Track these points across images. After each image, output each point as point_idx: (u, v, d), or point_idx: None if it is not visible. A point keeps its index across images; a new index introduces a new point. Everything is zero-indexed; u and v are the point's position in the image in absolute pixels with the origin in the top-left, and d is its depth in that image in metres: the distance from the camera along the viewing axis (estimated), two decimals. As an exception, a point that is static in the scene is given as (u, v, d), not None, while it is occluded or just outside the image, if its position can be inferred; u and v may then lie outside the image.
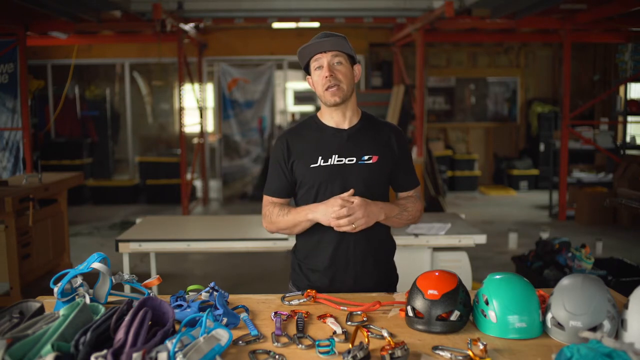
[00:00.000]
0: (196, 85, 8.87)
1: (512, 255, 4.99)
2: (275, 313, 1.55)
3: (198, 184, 9.53)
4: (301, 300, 1.68)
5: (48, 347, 1.15)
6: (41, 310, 1.38)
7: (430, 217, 3.95)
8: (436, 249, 3.44)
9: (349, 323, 1.51)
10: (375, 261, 1.91)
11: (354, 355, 1.24)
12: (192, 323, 1.37)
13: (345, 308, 1.62)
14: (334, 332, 1.43)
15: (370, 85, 9.52)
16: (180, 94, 7.81)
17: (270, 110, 9.35)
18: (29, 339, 1.18)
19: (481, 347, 1.30)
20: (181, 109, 7.84)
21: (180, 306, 1.55)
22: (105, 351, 1.14)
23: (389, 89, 8.70)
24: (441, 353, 1.32)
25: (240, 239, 3.44)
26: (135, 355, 1.11)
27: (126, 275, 1.68)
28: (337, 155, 1.84)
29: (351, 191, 1.77)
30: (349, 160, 1.84)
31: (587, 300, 1.38)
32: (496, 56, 10.00)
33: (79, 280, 1.58)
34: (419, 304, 1.47)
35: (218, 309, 1.49)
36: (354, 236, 1.84)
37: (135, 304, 1.33)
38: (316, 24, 7.96)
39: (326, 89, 1.81)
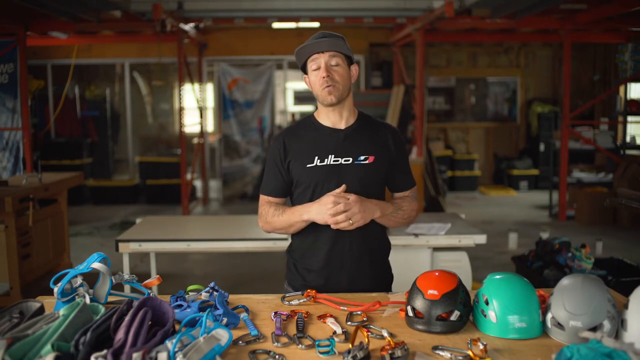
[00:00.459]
0: (196, 85, 8.87)
1: (512, 255, 4.99)
2: (275, 313, 1.55)
3: (198, 184, 9.53)
4: (301, 300, 1.68)
5: (48, 347, 1.15)
6: (41, 310, 1.38)
7: (430, 217, 3.95)
8: (436, 249, 3.44)
9: (349, 323, 1.52)
10: (371, 261, 1.91)
11: (354, 355, 1.24)
12: (192, 323, 1.37)
13: (345, 308, 1.62)
14: (334, 332, 1.43)
15: (370, 85, 9.52)
16: (180, 94, 7.81)
17: (270, 110, 9.36)
18: (29, 339, 1.18)
19: (481, 347, 1.30)
20: (181, 109, 7.84)
21: (180, 306, 1.55)
22: (105, 351, 1.14)
23: (389, 89, 8.70)
24: (441, 353, 1.32)
25: (240, 239, 3.45)
26: (135, 355, 1.11)
27: (126, 275, 1.68)
28: (333, 155, 1.85)
29: (343, 187, 1.78)
30: (345, 160, 1.84)
31: (587, 300, 1.38)
32: (496, 56, 10.00)
33: (79, 280, 1.58)
34: (419, 304, 1.47)
35: (218, 309, 1.49)
36: (350, 236, 1.84)
37: (135, 304, 1.33)
38: (316, 24, 7.96)
39: (323, 89, 1.81)
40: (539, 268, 4.32)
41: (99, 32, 7.91)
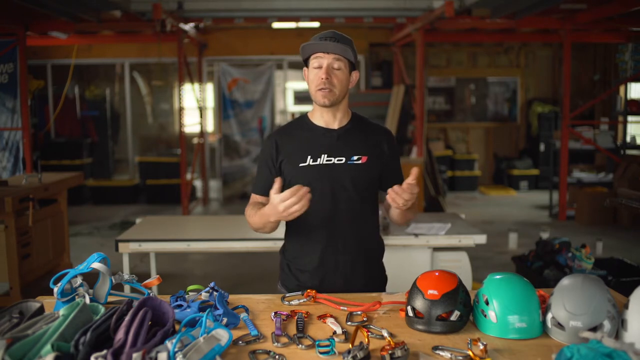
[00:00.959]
0: (196, 85, 8.87)
1: (512, 255, 4.99)
2: (275, 313, 1.55)
3: (198, 184, 9.52)
4: (301, 300, 1.67)
5: (48, 347, 1.15)
6: (41, 310, 1.38)
7: (430, 217, 3.95)
8: (436, 249, 3.44)
9: (349, 323, 1.51)
10: (365, 262, 1.91)
11: (354, 355, 1.23)
12: (192, 323, 1.36)
13: (345, 308, 1.62)
14: (334, 332, 1.43)
15: (370, 85, 9.52)
16: (180, 94, 7.81)
17: (270, 110, 9.35)
18: (28, 339, 1.18)
19: (481, 347, 1.30)
20: (181, 109, 7.84)
21: (180, 306, 1.55)
22: (105, 351, 1.14)
23: (389, 89, 8.70)
24: (441, 353, 1.32)
25: (240, 239, 3.45)
26: (135, 355, 1.11)
27: (126, 275, 1.67)
28: (326, 155, 1.85)
29: (279, 180, 1.67)
30: (338, 160, 1.84)
31: (587, 300, 1.38)
32: (496, 56, 10.00)
33: (79, 280, 1.58)
34: (419, 304, 1.47)
35: (218, 309, 1.49)
36: (343, 237, 1.85)
37: (135, 304, 1.33)
38: (316, 24, 7.96)
39: (318, 90, 1.81)
40: (539, 268, 4.32)
41: (99, 32, 7.91)
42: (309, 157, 1.85)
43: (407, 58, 9.35)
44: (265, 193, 1.90)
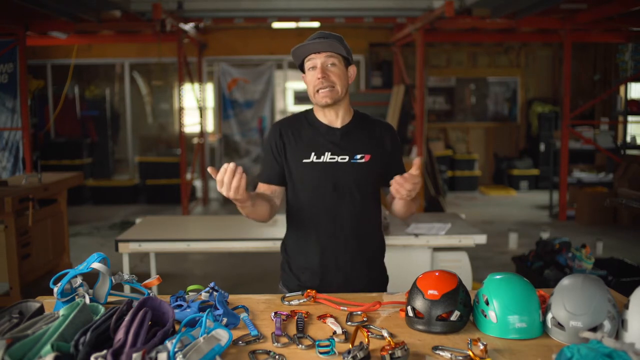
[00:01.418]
0: (196, 85, 8.87)
1: (512, 255, 4.99)
2: (275, 313, 1.55)
3: (198, 184, 9.53)
4: (301, 301, 1.67)
5: (48, 347, 1.14)
6: (41, 310, 1.38)
7: (430, 217, 3.95)
8: (436, 249, 3.44)
9: (349, 323, 1.51)
10: (367, 261, 1.91)
11: (354, 356, 1.23)
12: (192, 323, 1.36)
13: (345, 308, 1.61)
14: (334, 332, 1.43)
15: (370, 85, 9.52)
16: (180, 94, 7.81)
17: (270, 110, 9.36)
18: (28, 339, 1.18)
19: (481, 347, 1.30)
20: (181, 109, 7.84)
21: (180, 306, 1.55)
22: (105, 351, 1.14)
23: (389, 89, 8.71)
24: (441, 353, 1.32)
25: (240, 239, 3.45)
26: (135, 355, 1.11)
27: (126, 275, 1.67)
28: (330, 153, 1.85)
29: (210, 168, 1.64)
30: (341, 159, 1.85)
31: (588, 301, 1.38)
32: (496, 56, 10.00)
33: (79, 280, 1.58)
34: (419, 304, 1.47)
35: (218, 309, 1.49)
36: (344, 235, 1.85)
37: (135, 304, 1.33)
38: (316, 24, 7.96)
39: (317, 91, 1.82)
40: (539, 268, 4.32)
41: (99, 32, 7.91)
42: (313, 153, 1.85)
43: (407, 58, 9.35)
44: (269, 181, 1.90)
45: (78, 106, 9.47)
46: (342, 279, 1.87)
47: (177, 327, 1.38)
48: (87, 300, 1.51)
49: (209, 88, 10.19)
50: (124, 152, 9.96)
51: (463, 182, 9.55)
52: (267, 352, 1.32)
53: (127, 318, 1.24)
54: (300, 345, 1.35)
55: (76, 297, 1.55)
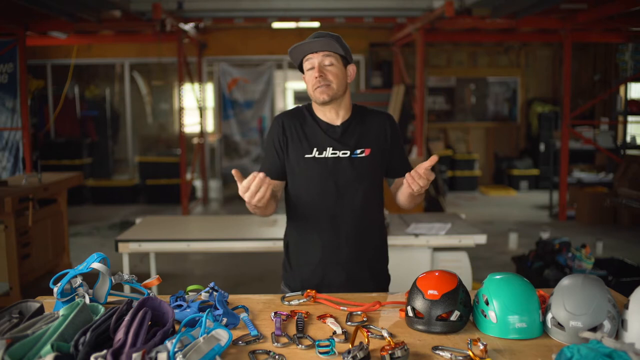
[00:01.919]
0: (196, 85, 8.87)
1: (512, 255, 4.99)
2: (275, 313, 1.55)
3: (198, 184, 9.52)
4: (301, 300, 1.67)
5: (48, 347, 1.14)
6: (41, 310, 1.38)
7: (430, 217, 3.95)
8: (436, 249, 3.44)
9: (349, 323, 1.51)
10: (368, 257, 1.91)
11: (354, 356, 1.23)
12: (192, 323, 1.36)
13: (345, 308, 1.61)
14: (334, 332, 1.43)
15: (370, 85, 9.52)
16: (180, 94, 7.81)
17: (270, 110, 9.36)
18: (28, 339, 1.18)
19: (481, 347, 1.30)
20: (181, 109, 7.84)
21: (180, 306, 1.55)
22: (105, 351, 1.14)
23: (389, 89, 8.70)
24: (441, 353, 1.32)
25: (240, 239, 3.45)
26: (135, 355, 1.11)
27: (126, 275, 1.67)
28: (331, 148, 1.85)
29: (235, 171, 1.64)
30: (343, 154, 1.85)
31: (588, 301, 1.38)
32: (496, 56, 10.00)
33: (79, 280, 1.58)
34: (419, 304, 1.47)
35: (218, 309, 1.49)
36: (346, 231, 1.85)
37: (135, 304, 1.32)
38: (316, 24, 7.96)
39: (315, 89, 1.82)
40: (539, 268, 4.32)
41: (99, 31, 7.91)
42: (315, 149, 1.85)
43: (407, 58, 9.36)
44: (275, 177, 1.89)
45: (78, 106, 9.47)
46: (344, 274, 1.88)
47: (177, 327, 1.38)
48: (87, 300, 1.51)
49: (209, 88, 10.19)
50: (123, 152, 9.96)
51: (463, 182, 9.55)
52: (267, 352, 1.32)
53: (127, 318, 1.24)
54: (300, 345, 1.35)
55: (76, 297, 1.55)
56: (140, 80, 10.11)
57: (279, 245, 3.37)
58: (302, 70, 1.90)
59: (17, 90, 6.39)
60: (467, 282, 3.31)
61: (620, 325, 1.35)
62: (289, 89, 10.38)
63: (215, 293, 1.56)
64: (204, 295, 1.58)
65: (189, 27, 7.65)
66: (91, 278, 1.60)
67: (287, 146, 1.88)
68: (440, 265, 3.40)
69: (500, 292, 1.44)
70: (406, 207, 1.95)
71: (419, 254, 3.40)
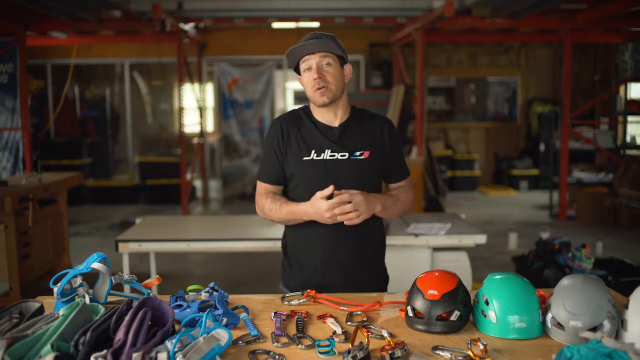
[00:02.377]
0: (196, 85, 8.87)
1: (512, 255, 4.99)
2: (275, 313, 1.55)
3: (198, 184, 9.52)
4: (301, 300, 1.67)
5: (48, 347, 1.14)
6: (41, 310, 1.38)
7: (430, 217, 3.95)
8: (436, 249, 3.44)
9: (349, 323, 1.51)
10: (367, 258, 1.91)
11: (354, 356, 1.23)
12: (192, 323, 1.36)
13: (345, 308, 1.61)
14: (334, 332, 1.43)
15: (370, 85, 9.52)
16: (180, 94, 7.81)
17: (270, 110, 9.35)
18: (28, 339, 1.18)
19: (481, 347, 1.30)
20: (181, 109, 7.84)
21: (180, 306, 1.55)
22: (105, 351, 1.14)
23: (389, 89, 8.70)
24: (441, 353, 1.32)
25: (240, 239, 3.45)
26: (135, 355, 1.11)
27: (126, 275, 1.67)
28: (330, 150, 1.85)
29: (331, 187, 1.76)
30: (341, 156, 1.85)
31: (587, 301, 1.38)
32: (496, 56, 10.00)
33: (79, 280, 1.58)
34: (419, 304, 1.47)
35: (218, 309, 1.49)
36: (345, 232, 1.85)
37: (135, 304, 1.33)
38: (316, 24, 7.96)
39: (314, 91, 1.82)
40: (539, 268, 4.32)
41: (99, 31, 7.91)
42: (313, 151, 1.85)
43: (407, 58, 9.35)
44: (277, 182, 1.90)
45: (78, 106, 9.47)
46: (343, 275, 1.88)
47: (177, 327, 1.38)
48: (87, 300, 1.51)
49: (209, 88, 10.18)
50: (123, 152, 9.96)
51: (463, 182, 9.55)
52: (267, 352, 1.32)
53: (127, 318, 1.24)
54: (300, 345, 1.35)
55: (76, 297, 1.55)
56: (140, 80, 10.11)
57: (279, 245, 3.36)
58: (298, 72, 1.90)
59: (17, 90, 6.39)
60: (467, 282, 3.31)
61: (620, 325, 1.35)
62: (289, 89, 10.37)
63: (215, 293, 1.56)
64: (204, 295, 1.58)
65: (189, 27, 7.65)
66: (91, 278, 1.60)
67: (286, 149, 1.88)
68: (440, 265, 3.40)
69: (500, 292, 1.44)
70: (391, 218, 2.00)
71: (418, 254, 3.40)
